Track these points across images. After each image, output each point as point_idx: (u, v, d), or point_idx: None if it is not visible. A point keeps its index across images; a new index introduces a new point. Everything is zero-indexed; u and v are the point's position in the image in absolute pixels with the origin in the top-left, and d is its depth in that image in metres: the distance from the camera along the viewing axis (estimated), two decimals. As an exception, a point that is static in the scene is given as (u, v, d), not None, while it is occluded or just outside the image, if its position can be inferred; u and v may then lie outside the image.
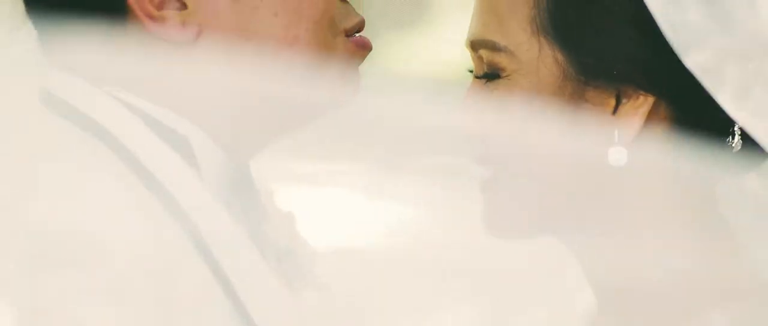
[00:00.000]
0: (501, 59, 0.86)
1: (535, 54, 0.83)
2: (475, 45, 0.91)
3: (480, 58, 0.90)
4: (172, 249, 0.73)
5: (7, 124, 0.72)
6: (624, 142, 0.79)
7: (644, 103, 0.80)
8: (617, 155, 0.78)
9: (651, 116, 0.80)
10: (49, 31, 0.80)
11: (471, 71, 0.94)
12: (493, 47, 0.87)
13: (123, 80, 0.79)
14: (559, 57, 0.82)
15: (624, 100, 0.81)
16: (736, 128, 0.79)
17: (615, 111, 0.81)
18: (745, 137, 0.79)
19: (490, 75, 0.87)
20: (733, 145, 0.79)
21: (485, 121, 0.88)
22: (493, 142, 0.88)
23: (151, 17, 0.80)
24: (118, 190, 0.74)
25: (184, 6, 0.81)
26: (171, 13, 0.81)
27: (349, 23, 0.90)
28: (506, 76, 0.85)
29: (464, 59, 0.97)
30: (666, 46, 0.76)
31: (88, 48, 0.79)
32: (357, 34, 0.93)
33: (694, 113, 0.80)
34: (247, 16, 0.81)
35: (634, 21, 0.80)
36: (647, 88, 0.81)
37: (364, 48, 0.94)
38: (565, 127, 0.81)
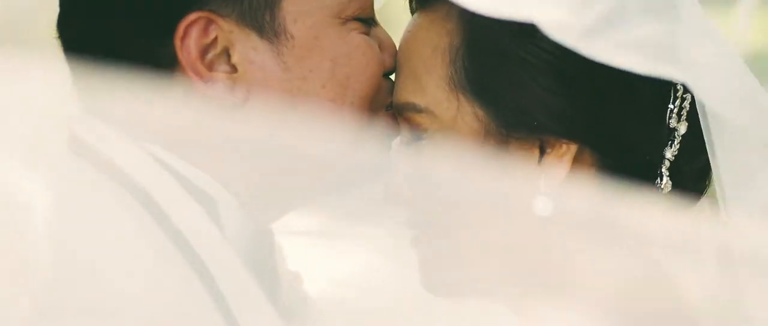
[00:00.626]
0: (423, 120, 0.84)
1: (454, 112, 0.81)
2: (397, 108, 0.91)
3: (404, 120, 0.90)
4: (191, 302, 0.74)
5: (32, 166, 0.72)
6: (549, 191, 0.78)
7: (568, 151, 0.80)
8: (543, 204, 0.77)
9: (576, 163, 0.80)
10: (87, 76, 0.79)
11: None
12: (414, 108, 0.86)
13: (160, 135, 0.79)
14: (479, 112, 0.81)
15: (548, 150, 0.80)
16: (663, 170, 0.79)
17: (540, 161, 0.81)
18: (674, 178, 0.80)
19: (414, 136, 0.87)
20: (662, 186, 0.80)
21: (408, 182, 0.86)
22: (417, 204, 0.86)
23: (201, 76, 0.81)
24: (139, 238, 0.74)
25: (234, 69, 0.83)
26: (221, 75, 0.82)
27: (390, 99, 0.93)
28: (429, 136, 0.84)
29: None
30: (584, 95, 0.76)
31: (128, 98, 0.78)
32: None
33: (619, 157, 0.80)
34: (295, 85, 0.84)
35: (550, 72, 0.80)
36: (569, 136, 0.81)
37: None
38: (488, 182, 0.79)
